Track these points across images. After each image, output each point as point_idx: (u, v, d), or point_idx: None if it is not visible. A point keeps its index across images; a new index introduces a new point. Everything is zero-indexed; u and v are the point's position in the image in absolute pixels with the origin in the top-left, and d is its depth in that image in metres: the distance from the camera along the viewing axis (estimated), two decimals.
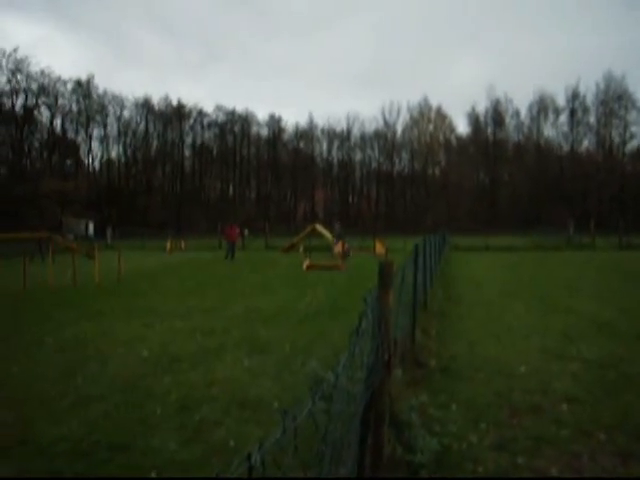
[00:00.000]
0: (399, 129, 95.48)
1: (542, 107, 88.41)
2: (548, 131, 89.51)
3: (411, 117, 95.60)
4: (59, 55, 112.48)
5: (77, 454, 4.31)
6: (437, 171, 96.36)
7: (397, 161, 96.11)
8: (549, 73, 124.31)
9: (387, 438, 3.86)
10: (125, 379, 6.32)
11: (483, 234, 39.93)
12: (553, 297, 12.78)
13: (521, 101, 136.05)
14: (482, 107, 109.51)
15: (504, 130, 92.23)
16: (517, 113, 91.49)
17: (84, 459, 4.22)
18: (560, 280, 16.42)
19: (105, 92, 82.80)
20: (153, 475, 3.94)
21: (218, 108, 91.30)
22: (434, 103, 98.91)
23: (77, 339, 8.64)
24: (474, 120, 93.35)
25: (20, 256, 21.61)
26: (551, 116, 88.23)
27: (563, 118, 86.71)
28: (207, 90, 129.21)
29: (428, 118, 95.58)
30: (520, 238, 40.92)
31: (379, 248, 32.00)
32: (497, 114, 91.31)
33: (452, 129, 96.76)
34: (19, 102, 73.99)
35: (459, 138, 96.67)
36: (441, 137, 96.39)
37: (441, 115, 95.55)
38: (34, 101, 75.72)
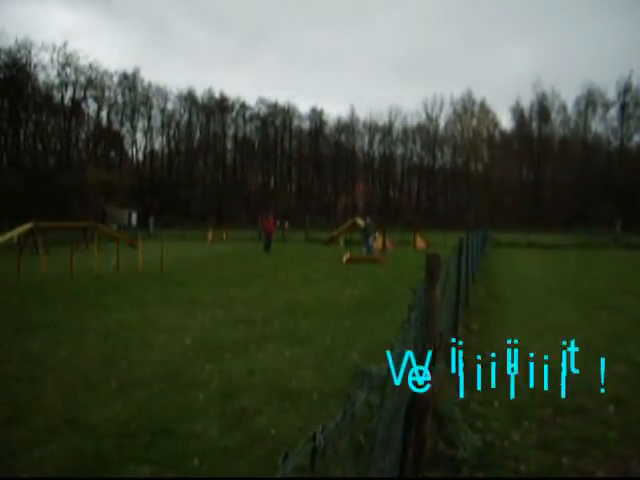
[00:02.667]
0: (442, 123, 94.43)
1: (590, 101, 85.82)
2: (596, 126, 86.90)
3: (454, 111, 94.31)
4: (106, 48, 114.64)
5: (122, 436, 4.40)
6: (480, 166, 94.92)
7: (439, 156, 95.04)
8: (598, 66, 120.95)
9: (429, 432, 3.84)
10: (168, 366, 6.43)
11: (526, 231, 39.18)
12: (599, 296, 12.49)
13: (568, 95, 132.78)
14: (527, 101, 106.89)
15: (550, 125, 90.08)
16: (564, 107, 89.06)
17: (129, 441, 4.31)
18: (606, 279, 16.03)
19: (150, 84, 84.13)
20: (196, 462, 3.99)
21: (260, 101, 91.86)
22: (478, 97, 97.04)
23: (121, 326, 8.83)
24: (518, 115, 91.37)
25: (66, 244, 22.18)
26: (600, 110, 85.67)
27: (613, 112, 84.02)
28: (249, 82, 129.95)
29: (471, 112, 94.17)
30: (565, 236, 40.04)
31: (420, 243, 31.79)
32: (543, 108, 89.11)
33: (496, 124, 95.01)
34: (68, 95, 76.10)
35: (503, 133, 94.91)
36: (484, 132, 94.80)
37: (485, 109, 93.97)
38: (82, 94, 77.62)
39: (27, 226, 22.28)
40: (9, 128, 71.10)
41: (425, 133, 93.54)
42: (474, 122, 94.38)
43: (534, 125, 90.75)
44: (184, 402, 5.20)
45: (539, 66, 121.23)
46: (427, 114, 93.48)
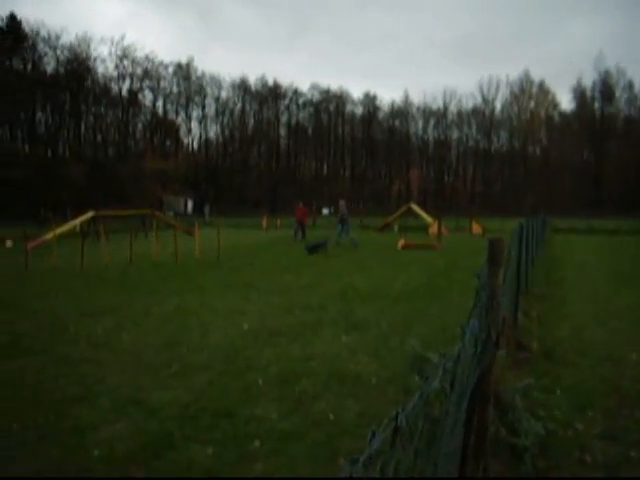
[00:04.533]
0: (498, 105, 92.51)
1: None
2: None
3: (511, 93, 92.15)
4: (159, 38, 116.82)
5: (185, 418, 4.51)
6: (537, 149, 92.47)
7: (495, 139, 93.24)
8: None
9: (490, 419, 3.78)
10: (227, 350, 6.54)
11: (586, 216, 37.99)
12: None
13: (636, 72, 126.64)
14: (589, 81, 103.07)
15: (614, 104, 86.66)
16: (630, 85, 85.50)
17: (191, 423, 4.41)
18: None
19: (203, 74, 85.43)
20: (257, 444, 4.05)
21: (313, 87, 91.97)
22: (536, 78, 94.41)
23: (180, 310, 9.03)
24: (579, 94, 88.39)
25: (125, 232, 22.81)
26: None
27: None
28: (301, 67, 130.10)
29: (529, 94, 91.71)
30: (628, 221, 38.60)
31: (476, 228, 31.30)
32: (606, 87, 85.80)
33: (555, 105, 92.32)
34: (125, 86, 78.20)
35: (562, 114, 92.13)
36: (543, 113, 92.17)
37: (543, 90, 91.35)
38: (139, 85, 79.55)
39: (88, 215, 23.02)
40: (71, 121, 73.56)
41: (481, 116, 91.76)
42: (532, 103, 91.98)
43: (596, 105, 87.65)
44: (243, 385, 5.29)
45: (602, 43, 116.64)
46: (483, 96, 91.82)
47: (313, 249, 18.92)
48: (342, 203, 23.71)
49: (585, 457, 3.91)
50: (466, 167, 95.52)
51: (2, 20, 65.41)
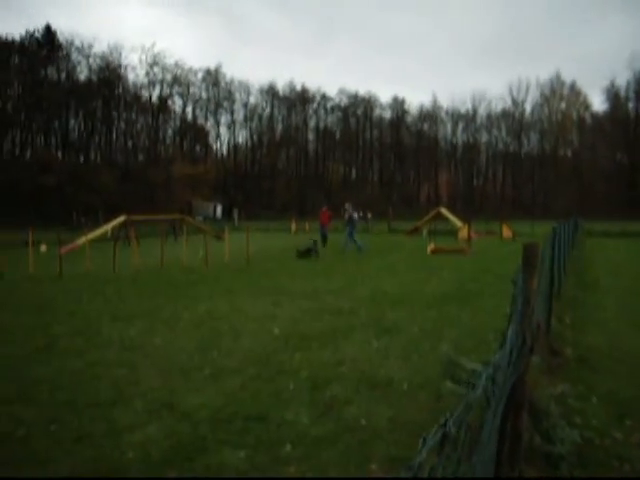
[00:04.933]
0: (528, 108, 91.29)
1: None
2: None
3: (541, 94, 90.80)
4: (188, 44, 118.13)
5: (217, 422, 4.53)
6: (569, 152, 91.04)
7: (525, 142, 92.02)
8: None
9: (525, 426, 3.72)
10: (258, 354, 6.56)
11: (620, 219, 37.27)
12: None
13: None
14: (623, 80, 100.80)
15: None
16: None
17: (224, 427, 4.43)
18: None
19: (232, 79, 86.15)
20: (288, 448, 4.05)
21: (341, 91, 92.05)
22: (567, 79, 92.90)
23: (211, 315, 9.09)
24: (613, 95, 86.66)
25: (155, 236, 23.09)
26: None
27: None
28: (328, 72, 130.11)
29: (560, 95, 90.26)
30: None
31: (506, 232, 30.95)
32: None
33: (587, 106, 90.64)
34: (155, 93, 79.44)
35: (594, 116, 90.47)
36: (574, 115, 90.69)
37: (575, 91, 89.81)
38: (168, 91, 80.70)
39: (120, 219, 23.35)
40: (102, 127, 74.94)
41: (510, 118, 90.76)
42: (563, 105, 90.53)
43: (630, 105, 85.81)
44: (275, 390, 5.30)
45: (635, 42, 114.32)
46: (512, 98, 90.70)
47: (303, 254, 18.93)
48: (348, 206, 23.43)
49: (624, 466, 3.82)
50: (496, 170, 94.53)
51: (38, 32, 67.14)
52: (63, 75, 70.54)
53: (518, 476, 3.46)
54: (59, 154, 70.46)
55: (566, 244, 13.70)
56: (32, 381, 5.66)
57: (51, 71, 69.40)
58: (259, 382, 5.56)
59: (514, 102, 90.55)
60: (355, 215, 23.34)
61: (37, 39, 67.23)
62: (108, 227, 24.19)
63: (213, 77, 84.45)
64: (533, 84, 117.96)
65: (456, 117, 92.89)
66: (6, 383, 5.61)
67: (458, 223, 33.26)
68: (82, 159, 72.63)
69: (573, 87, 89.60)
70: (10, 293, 12.00)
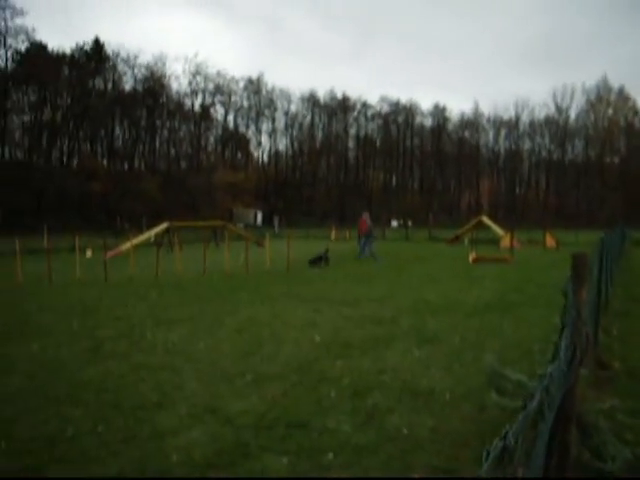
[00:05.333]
0: (572, 114, 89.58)
1: None
2: None
3: (587, 101, 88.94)
4: (230, 53, 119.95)
5: (259, 428, 4.55)
6: (616, 159, 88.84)
7: (569, 149, 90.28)
8: None
9: (573, 441, 3.64)
10: (299, 361, 6.58)
11: None
12: None
13: None
14: None
15: None
16: None
17: (266, 433, 4.45)
18: None
19: (273, 88, 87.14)
20: (330, 456, 4.05)
21: (382, 99, 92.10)
22: (615, 82, 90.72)
23: (252, 321, 9.16)
24: None
25: (197, 242, 23.40)
26: None
27: None
28: (369, 79, 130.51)
29: (607, 101, 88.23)
30: None
31: (549, 241, 30.38)
32: None
33: (636, 111, 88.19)
34: (198, 101, 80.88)
35: None
36: (622, 121, 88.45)
37: (623, 96, 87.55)
38: (211, 100, 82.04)
39: (163, 226, 23.80)
40: (146, 136, 76.62)
41: (554, 125, 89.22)
42: (610, 111, 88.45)
43: None
44: (317, 397, 5.30)
45: None
46: (556, 105, 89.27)
47: (314, 262, 18.88)
48: (366, 215, 23.11)
49: None
50: (539, 178, 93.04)
51: (87, 44, 69.27)
52: (109, 85, 72.65)
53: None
54: (104, 162, 72.30)
55: (614, 254, 13.36)
56: (79, 383, 5.81)
57: (98, 82, 71.56)
58: (301, 389, 5.57)
59: (558, 108, 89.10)
60: (372, 225, 22.92)
61: (86, 52, 69.38)
62: (152, 233, 24.68)
63: (255, 85, 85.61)
64: (578, 90, 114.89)
65: (498, 124, 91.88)
66: (55, 384, 5.76)
67: (500, 232, 32.81)
68: (126, 166, 74.40)
69: (621, 92, 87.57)
70: (58, 297, 12.32)
